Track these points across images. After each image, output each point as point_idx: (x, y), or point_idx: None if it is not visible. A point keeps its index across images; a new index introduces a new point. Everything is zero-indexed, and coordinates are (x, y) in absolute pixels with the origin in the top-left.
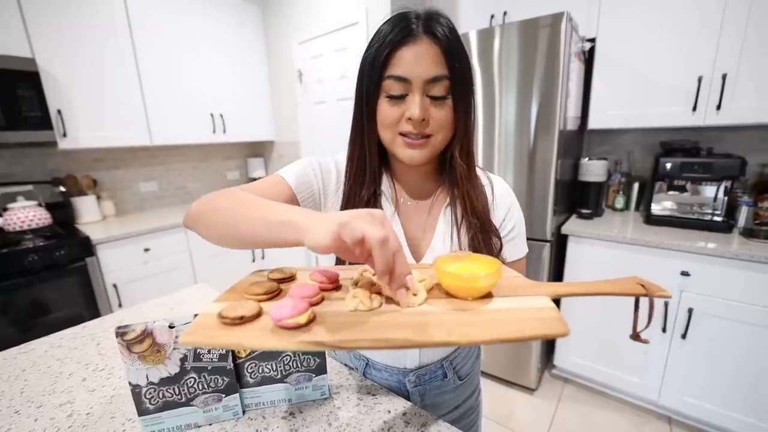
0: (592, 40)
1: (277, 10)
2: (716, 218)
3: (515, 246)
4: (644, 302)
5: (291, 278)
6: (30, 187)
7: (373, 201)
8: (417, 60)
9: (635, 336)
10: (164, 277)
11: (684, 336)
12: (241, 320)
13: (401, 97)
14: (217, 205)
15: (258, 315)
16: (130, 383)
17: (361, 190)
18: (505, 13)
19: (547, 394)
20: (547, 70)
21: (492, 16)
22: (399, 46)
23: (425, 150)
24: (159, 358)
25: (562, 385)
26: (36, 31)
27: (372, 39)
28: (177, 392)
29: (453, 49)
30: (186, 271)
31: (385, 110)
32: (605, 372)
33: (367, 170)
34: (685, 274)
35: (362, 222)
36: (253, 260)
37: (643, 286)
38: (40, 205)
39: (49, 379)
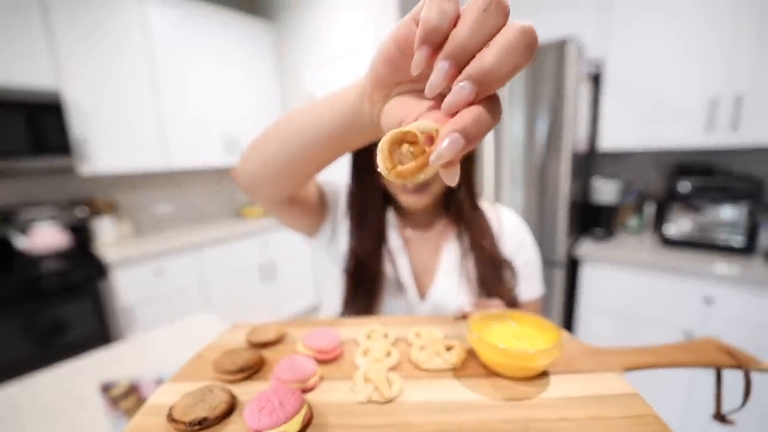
0: (602, 61)
1: (290, 35)
2: (736, 240)
3: (528, 285)
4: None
5: (277, 341)
6: (52, 211)
7: (379, 235)
8: None
9: (720, 417)
10: (177, 299)
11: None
12: (201, 426)
13: None
14: (271, 128)
15: (228, 412)
16: None
17: (366, 228)
18: None
19: None
20: (556, 93)
21: None
22: None
23: (424, 196)
24: None
25: None
26: (62, 61)
27: None
28: None
29: None
30: (196, 292)
31: None
32: None
33: (372, 212)
34: (708, 300)
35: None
36: (263, 280)
37: (730, 353)
38: (61, 227)
39: (45, 419)
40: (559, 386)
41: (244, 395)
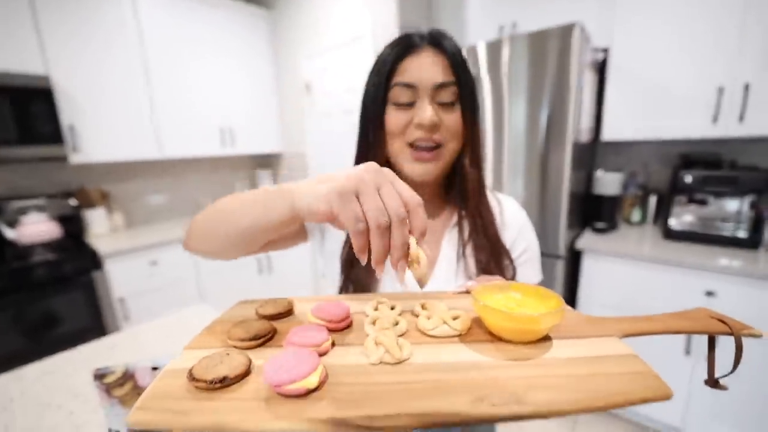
0: (606, 50)
1: (286, 24)
2: (741, 234)
3: (527, 271)
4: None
5: (287, 313)
6: (42, 201)
7: None
8: (423, 67)
9: (713, 382)
10: (170, 291)
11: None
12: (222, 383)
13: (409, 105)
14: (212, 211)
15: (246, 373)
16: (110, 430)
17: None
18: (514, 24)
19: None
20: (559, 81)
21: (501, 27)
22: (404, 57)
23: (437, 164)
24: None
25: None
26: (50, 48)
27: (377, 57)
28: None
29: (458, 60)
30: (192, 284)
31: (393, 117)
32: None
33: None
34: (710, 293)
35: (365, 196)
36: (260, 272)
37: (723, 321)
38: (51, 218)
39: (36, 411)
40: (561, 349)
41: (259, 360)
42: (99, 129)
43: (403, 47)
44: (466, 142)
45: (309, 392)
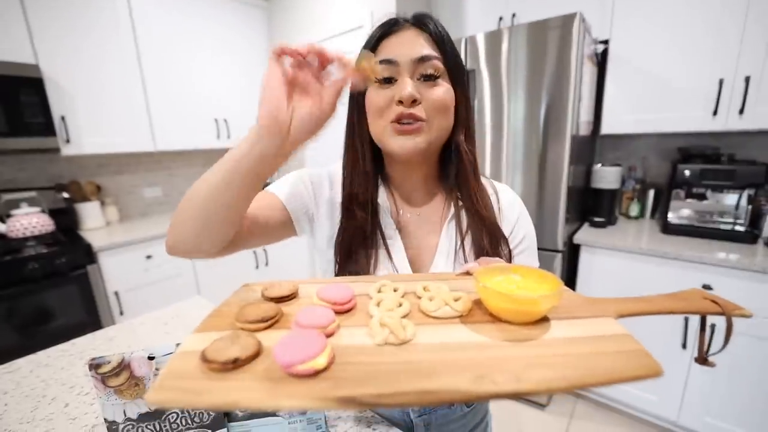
0: (606, 42)
1: (282, 14)
2: (739, 228)
3: (525, 260)
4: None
5: (292, 296)
6: (33, 194)
7: (371, 211)
8: (403, 44)
9: (702, 360)
10: (166, 285)
11: (706, 353)
12: (235, 364)
13: (389, 81)
14: (184, 199)
15: (256, 354)
16: (105, 420)
17: (357, 197)
18: (513, 15)
19: (558, 410)
20: (558, 73)
21: (500, 18)
22: (386, 36)
23: (419, 137)
24: (137, 392)
25: (575, 401)
26: (40, 37)
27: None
28: (158, 429)
29: (441, 36)
30: (187, 279)
31: (373, 96)
32: (620, 388)
33: (362, 173)
34: (707, 287)
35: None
36: (257, 266)
37: (715, 302)
38: (43, 211)
39: (30, 404)
40: (559, 329)
41: (268, 342)
42: (91, 120)
43: (386, 27)
44: (459, 118)
45: (318, 372)
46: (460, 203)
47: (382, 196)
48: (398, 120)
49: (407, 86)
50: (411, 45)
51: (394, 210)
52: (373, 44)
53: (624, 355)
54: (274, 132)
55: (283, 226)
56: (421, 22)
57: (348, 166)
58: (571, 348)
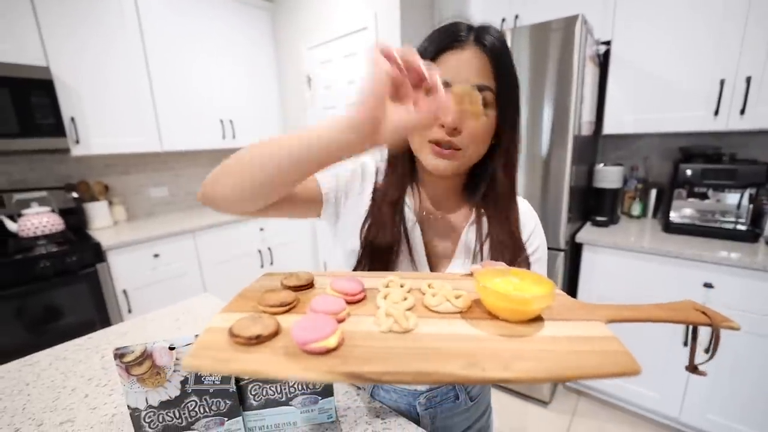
0: (608, 43)
1: (287, 16)
2: (740, 227)
3: (537, 270)
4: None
5: (308, 286)
6: (44, 193)
7: (398, 209)
8: (461, 66)
9: (693, 368)
10: (173, 283)
11: (707, 351)
12: (257, 340)
13: None
14: (237, 160)
15: (276, 333)
16: (128, 406)
17: (388, 193)
18: (516, 17)
19: (560, 407)
20: (561, 74)
21: (503, 20)
22: (445, 50)
23: (453, 162)
24: (159, 380)
25: (577, 399)
26: (50, 40)
27: (423, 41)
28: (177, 416)
29: (501, 61)
30: (195, 278)
31: None
32: (622, 386)
33: (399, 175)
34: (708, 285)
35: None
36: (262, 265)
37: (705, 314)
38: (53, 211)
39: (51, 394)
40: (550, 329)
41: (286, 324)
42: (100, 121)
43: (448, 37)
44: (501, 148)
45: (329, 351)
46: (482, 211)
47: (410, 195)
48: (437, 143)
49: (453, 113)
50: (468, 68)
51: (419, 209)
52: (432, 54)
53: (606, 354)
54: (367, 131)
55: (311, 203)
56: (483, 41)
57: (389, 165)
58: (558, 345)
